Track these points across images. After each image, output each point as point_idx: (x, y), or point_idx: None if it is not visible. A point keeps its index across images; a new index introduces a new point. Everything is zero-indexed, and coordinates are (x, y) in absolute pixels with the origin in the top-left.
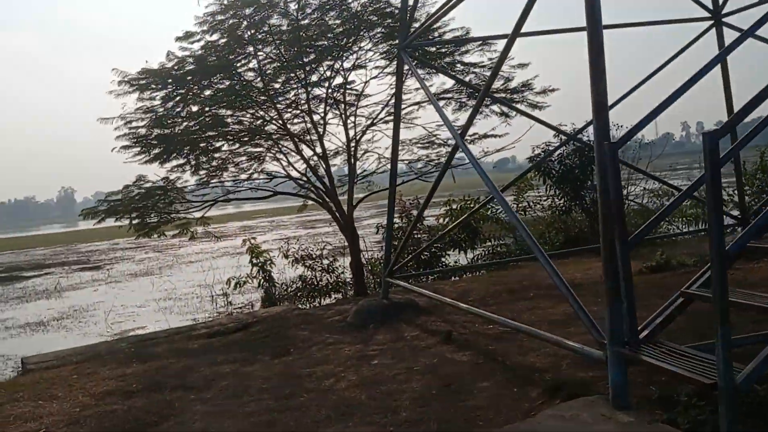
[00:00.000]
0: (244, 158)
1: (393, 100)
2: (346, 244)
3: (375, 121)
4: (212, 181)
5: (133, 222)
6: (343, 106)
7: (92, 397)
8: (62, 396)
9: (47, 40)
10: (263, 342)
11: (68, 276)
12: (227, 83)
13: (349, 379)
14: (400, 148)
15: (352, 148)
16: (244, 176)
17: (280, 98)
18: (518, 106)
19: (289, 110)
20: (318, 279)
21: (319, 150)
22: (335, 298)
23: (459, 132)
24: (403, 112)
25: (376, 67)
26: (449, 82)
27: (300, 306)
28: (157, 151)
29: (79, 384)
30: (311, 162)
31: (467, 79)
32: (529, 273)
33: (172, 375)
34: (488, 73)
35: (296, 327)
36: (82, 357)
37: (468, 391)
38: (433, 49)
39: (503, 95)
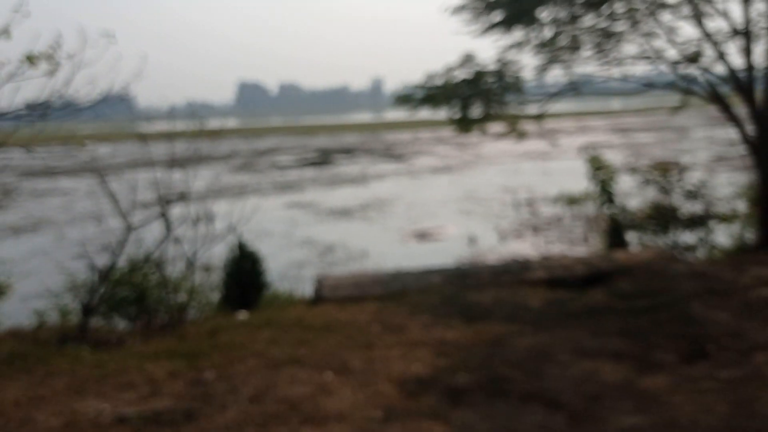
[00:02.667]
0: (598, 37)
1: None
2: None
3: None
4: (555, 66)
5: (455, 115)
6: None
7: (399, 387)
8: (356, 370)
9: None
10: (646, 316)
11: (373, 165)
12: None
13: None
14: None
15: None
16: (598, 62)
17: None
18: None
19: None
20: (675, 207)
21: (727, 23)
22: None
23: None
24: None
25: None
26: None
27: (674, 252)
28: (499, 16)
29: (382, 347)
30: (701, 44)
31: None
32: None
33: (517, 364)
34: None
35: (698, 298)
36: (385, 290)
37: None
38: None
39: None
